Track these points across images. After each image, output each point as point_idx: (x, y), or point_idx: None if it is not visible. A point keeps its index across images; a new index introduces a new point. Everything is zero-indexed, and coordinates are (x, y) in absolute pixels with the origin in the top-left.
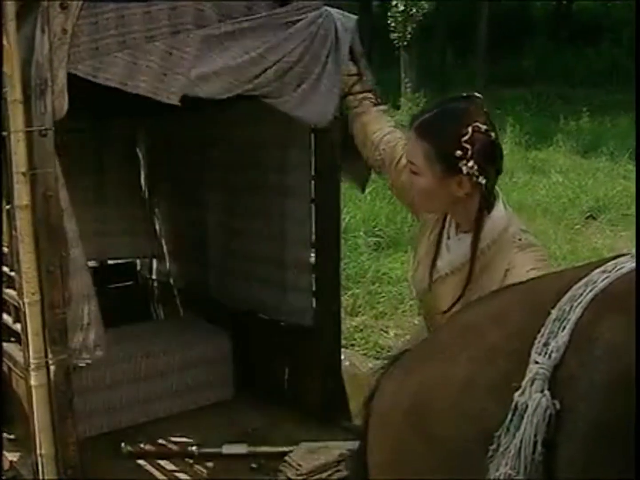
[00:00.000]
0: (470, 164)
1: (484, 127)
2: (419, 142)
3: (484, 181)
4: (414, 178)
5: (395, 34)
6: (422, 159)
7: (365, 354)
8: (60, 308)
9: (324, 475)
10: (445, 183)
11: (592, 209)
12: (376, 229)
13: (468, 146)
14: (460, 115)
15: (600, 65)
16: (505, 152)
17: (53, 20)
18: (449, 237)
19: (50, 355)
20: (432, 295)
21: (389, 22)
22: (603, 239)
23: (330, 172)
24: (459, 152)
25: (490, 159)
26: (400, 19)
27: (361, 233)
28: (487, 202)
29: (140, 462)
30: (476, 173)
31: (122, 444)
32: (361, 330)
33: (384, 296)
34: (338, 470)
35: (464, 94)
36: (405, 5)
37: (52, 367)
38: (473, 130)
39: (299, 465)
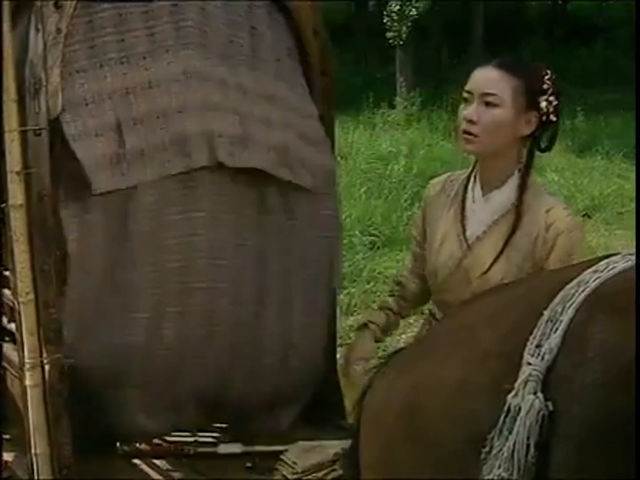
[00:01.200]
0: (551, 98)
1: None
2: (506, 75)
3: (554, 119)
4: (488, 112)
5: (391, 33)
6: (507, 90)
7: None
8: (55, 307)
9: (320, 474)
10: (520, 117)
11: (587, 208)
12: (371, 227)
13: (550, 83)
14: (533, 62)
15: (595, 65)
16: None
17: (47, 19)
18: (474, 202)
19: (45, 355)
20: (468, 262)
21: (384, 21)
22: (598, 238)
23: None
24: (545, 86)
25: (559, 102)
26: (395, 18)
27: (357, 232)
28: (538, 144)
29: (136, 461)
30: (552, 109)
31: (118, 443)
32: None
33: (379, 295)
34: (333, 470)
35: None
36: (401, 5)
37: (46, 367)
38: (551, 74)
39: (294, 464)
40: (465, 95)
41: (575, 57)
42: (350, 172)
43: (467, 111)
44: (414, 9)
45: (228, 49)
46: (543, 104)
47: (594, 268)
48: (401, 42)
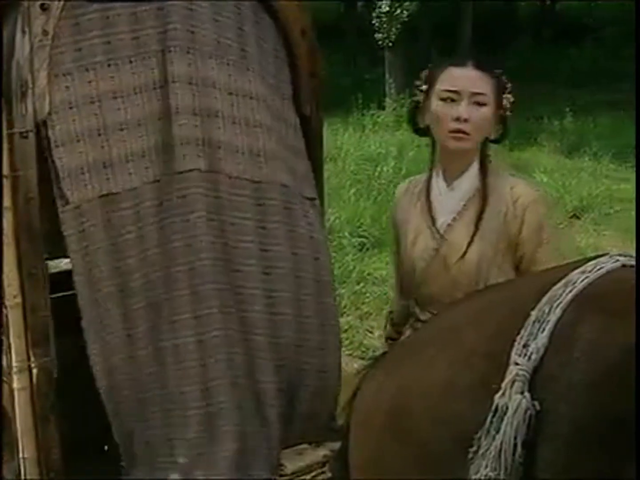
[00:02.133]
0: (509, 95)
1: None
2: (486, 76)
3: (509, 113)
4: (479, 110)
5: (380, 35)
6: (490, 90)
7: (350, 355)
8: (42, 311)
9: (309, 476)
10: (495, 114)
11: (576, 209)
12: (361, 229)
13: (506, 80)
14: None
15: (583, 66)
16: (488, 152)
17: (34, 21)
18: (440, 194)
19: (32, 359)
20: (444, 250)
21: (373, 22)
22: (587, 238)
23: (314, 173)
24: (506, 84)
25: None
26: (384, 19)
27: (346, 233)
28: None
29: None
30: (509, 105)
31: (106, 447)
32: (346, 330)
33: (368, 297)
34: (323, 472)
35: None
36: (389, 6)
37: (34, 370)
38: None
39: (284, 465)
40: (449, 95)
41: (564, 58)
42: (340, 173)
43: (458, 110)
44: (403, 11)
45: (217, 50)
46: (505, 101)
47: (581, 269)
48: (390, 44)
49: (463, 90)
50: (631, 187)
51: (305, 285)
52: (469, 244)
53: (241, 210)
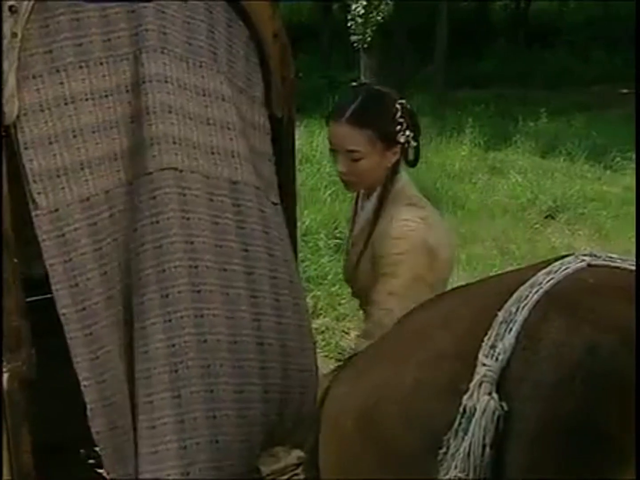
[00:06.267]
0: (407, 132)
1: (403, 101)
2: (359, 130)
3: (415, 143)
4: (356, 164)
5: (355, 36)
6: (365, 144)
7: (327, 356)
8: (14, 315)
9: (283, 477)
10: (385, 156)
11: (550, 209)
12: (337, 231)
13: (402, 120)
14: (384, 97)
15: (556, 68)
16: (464, 153)
17: (3, 23)
18: (361, 209)
19: (4, 363)
20: (347, 262)
21: (348, 24)
22: (562, 238)
23: (287, 176)
24: (398, 127)
25: (417, 124)
26: (360, 21)
27: (322, 235)
28: (401, 161)
29: (101, 470)
30: (411, 137)
31: (82, 451)
32: (322, 332)
33: (344, 298)
34: (296, 474)
35: (355, 83)
36: (365, 8)
37: (5, 375)
38: (401, 106)
39: (258, 468)
40: (331, 146)
41: (538, 60)
42: (315, 175)
43: (339, 165)
44: (378, 13)
45: (188, 52)
46: (402, 139)
47: (547, 269)
48: (365, 46)
49: (337, 147)
50: (605, 187)
51: (282, 287)
52: (358, 260)
53: (220, 210)
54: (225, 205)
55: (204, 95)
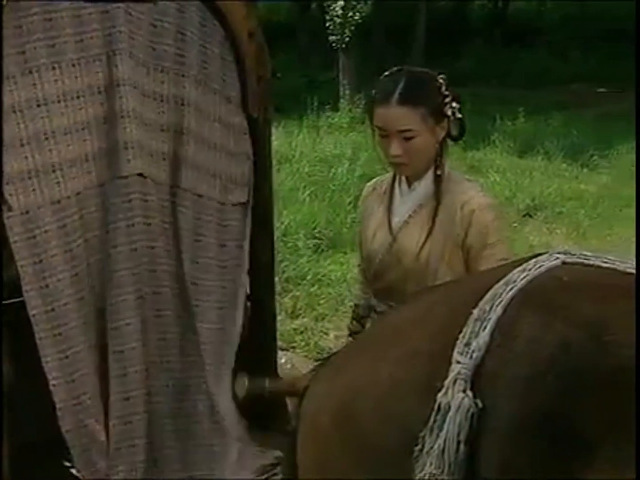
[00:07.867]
0: (453, 104)
1: (443, 75)
2: (412, 109)
3: (460, 115)
4: (410, 144)
5: (334, 36)
6: (419, 122)
7: (306, 356)
8: None
9: (262, 477)
10: (435, 132)
11: (528, 208)
12: (315, 231)
13: (448, 92)
14: (426, 75)
15: (534, 67)
16: None
17: None
18: (401, 195)
19: None
20: (396, 247)
21: (327, 24)
22: (539, 237)
23: (263, 177)
24: (446, 100)
25: (459, 96)
26: (338, 20)
27: (301, 235)
28: (450, 138)
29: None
30: (456, 110)
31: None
32: (302, 332)
33: (324, 298)
34: (274, 474)
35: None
36: (343, 8)
37: None
38: (444, 80)
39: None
40: (380, 131)
41: (515, 60)
42: (294, 175)
43: (392, 149)
44: (356, 13)
45: (150, 57)
46: (449, 112)
47: (522, 267)
48: (344, 45)
49: (388, 128)
50: (583, 185)
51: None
52: (423, 243)
53: (176, 218)
54: (165, 210)
55: (161, 101)
